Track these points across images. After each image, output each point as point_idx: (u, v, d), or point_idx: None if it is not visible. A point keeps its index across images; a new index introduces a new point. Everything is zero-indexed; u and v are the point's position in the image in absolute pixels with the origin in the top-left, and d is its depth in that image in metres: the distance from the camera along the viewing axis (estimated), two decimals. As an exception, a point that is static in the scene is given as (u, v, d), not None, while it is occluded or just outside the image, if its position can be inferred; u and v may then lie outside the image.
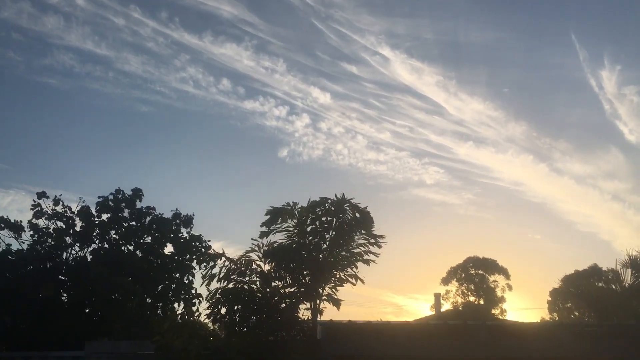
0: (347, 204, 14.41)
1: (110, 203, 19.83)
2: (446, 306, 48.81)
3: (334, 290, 14.61)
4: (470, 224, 69.36)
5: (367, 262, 14.59)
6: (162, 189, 57.68)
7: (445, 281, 53.19)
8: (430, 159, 64.55)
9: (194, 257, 19.62)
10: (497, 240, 74.17)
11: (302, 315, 14.12)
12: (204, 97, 56.17)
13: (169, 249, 19.89)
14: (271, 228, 14.63)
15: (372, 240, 14.54)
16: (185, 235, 20.02)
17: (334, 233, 14.47)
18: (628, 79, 59.02)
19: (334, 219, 14.49)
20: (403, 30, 58.38)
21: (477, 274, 52.65)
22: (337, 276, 14.62)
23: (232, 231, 58.35)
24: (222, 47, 52.71)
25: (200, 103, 57.43)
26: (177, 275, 19.65)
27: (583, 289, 42.26)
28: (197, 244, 19.72)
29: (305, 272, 14.42)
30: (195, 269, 19.88)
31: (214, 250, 14.48)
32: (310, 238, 14.58)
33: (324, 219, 14.52)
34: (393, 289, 76.58)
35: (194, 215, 20.45)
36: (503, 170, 66.55)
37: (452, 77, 62.21)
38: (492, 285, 52.31)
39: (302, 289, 14.35)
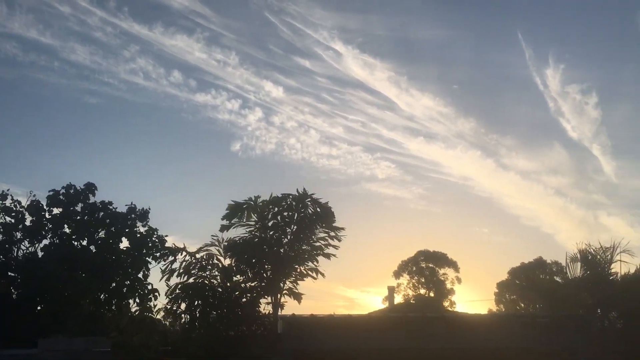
0: (309, 199, 14.51)
1: (61, 197, 19.22)
2: (398, 299, 49.67)
3: (295, 284, 14.70)
4: (421, 218, 70.70)
5: (327, 256, 14.74)
6: (114, 182, 56.04)
7: (397, 274, 54.12)
8: (382, 153, 65.41)
9: (150, 252, 19.25)
10: (447, 234, 75.75)
11: (263, 309, 14.16)
12: (154, 89, 54.82)
13: (124, 244, 19.45)
14: (232, 222, 14.58)
15: (333, 234, 14.69)
16: (141, 230, 19.61)
17: (295, 227, 14.54)
18: (571, 78, 61.26)
19: (296, 214, 14.57)
20: (355, 25, 58.77)
21: (427, 267, 53.76)
22: (298, 270, 14.71)
23: (187, 225, 57.42)
24: (173, 38, 51.55)
25: (150, 95, 55.99)
26: (133, 270, 19.24)
27: (528, 281, 43.88)
28: (154, 239, 19.36)
29: (266, 267, 14.44)
30: (151, 264, 19.51)
31: (174, 245, 14.28)
32: (271, 233, 14.61)
33: (285, 213, 14.58)
34: (345, 283, 77.20)
35: (149, 209, 20.06)
36: (452, 166, 67.99)
37: (403, 73, 63.08)
38: (442, 278, 53.53)
39: (263, 284, 14.37)
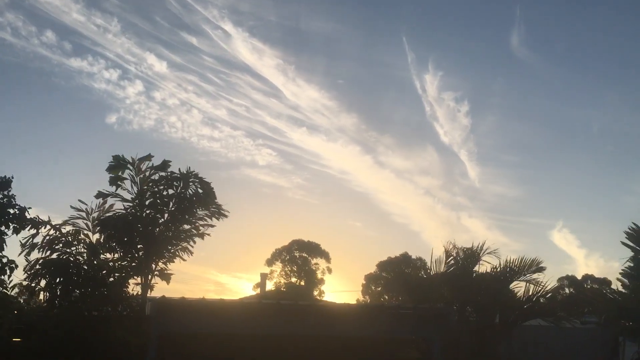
0: (193, 178, 14.06)
1: None
2: (269, 286, 50.10)
3: (166, 265, 14.24)
4: (298, 208, 72.00)
5: (202, 235, 14.40)
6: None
7: (270, 262, 54.66)
8: (264, 140, 65.62)
9: (8, 222, 17.62)
10: (322, 225, 77.91)
11: (132, 290, 13.56)
12: (23, 47, 50.30)
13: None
14: (110, 191, 13.79)
15: (214, 211, 14.36)
16: (1, 198, 17.85)
17: (174, 208, 14.05)
18: (447, 85, 65.52)
19: (176, 193, 14.07)
20: (247, 8, 58.15)
21: (300, 256, 54.85)
22: (172, 251, 14.26)
23: (53, 198, 53.62)
24: (48, -6, 47.60)
25: (18, 54, 51.30)
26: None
27: (394, 275, 46.26)
28: (15, 210, 17.73)
29: (139, 246, 13.84)
30: (7, 235, 17.86)
31: (37, 217, 13.18)
32: (148, 211, 14.00)
33: (165, 193, 14.03)
34: (217, 267, 76.77)
35: (12, 178, 18.33)
36: (332, 159, 69.97)
37: (291, 63, 63.69)
38: (314, 268, 54.92)
39: (133, 263, 13.75)
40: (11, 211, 17.68)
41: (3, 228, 17.64)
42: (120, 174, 13.89)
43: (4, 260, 17.54)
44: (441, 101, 62.86)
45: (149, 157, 14.10)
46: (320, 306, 14.85)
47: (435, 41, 65.52)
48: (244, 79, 61.27)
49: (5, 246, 17.54)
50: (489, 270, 15.91)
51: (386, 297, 48.53)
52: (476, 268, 15.75)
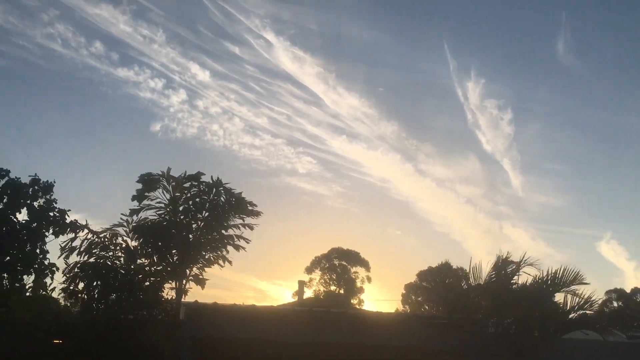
0: (222, 188, 14.20)
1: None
2: (308, 294, 50.09)
3: (201, 271, 14.38)
4: (338, 216, 71.71)
5: (237, 247, 14.52)
6: (18, 152, 52.84)
7: (309, 270, 54.57)
8: (304, 148, 65.84)
9: (50, 226, 18.15)
10: (361, 233, 77.35)
11: (167, 294, 13.75)
12: (72, 58, 52.01)
13: (23, 216, 18.21)
14: (143, 204, 14.03)
15: (246, 222, 14.49)
16: (40, 202, 18.41)
17: (207, 214, 14.20)
18: (490, 93, 64.29)
19: (208, 201, 14.22)
20: (288, 17, 58.55)
21: (340, 264, 54.58)
22: (206, 257, 14.40)
23: (95, 204, 55.16)
24: (97, 7, 49.09)
25: (67, 64, 53.08)
26: (29, 245, 18.06)
27: (434, 284, 45.51)
28: (56, 213, 18.26)
29: (173, 252, 14.01)
30: (48, 238, 18.39)
31: (76, 221, 13.52)
32: (182, 217, 14.18)
33: (197, 199, 14.19)
34: (257, 275, 77.10)
35: (54, 182, 18.89)
36: (372, 167, 69.48)
37: (332, 71, 63.76)
38: (353, 276, 54.53)
39: (168, 268, 13.94)
40: (51, 214, 18.32)
41: (44, 231, 18.27)
42: (147, 193, 14.07)
43: (46, 262, 18.21)
44: (483, 109, 61.73)
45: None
46: (353, 314, 14.67)
47: (477, 48, 64.53)
48: (285, 87, 61.79)
49: (45, 249, 18.16)
50: (530, 281, 15.46)
51: (426, 307, 47.78)
52: (516, 279, 15.32)
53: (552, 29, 60.56)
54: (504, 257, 15.23)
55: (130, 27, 49.75)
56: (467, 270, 15.90)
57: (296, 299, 41.37)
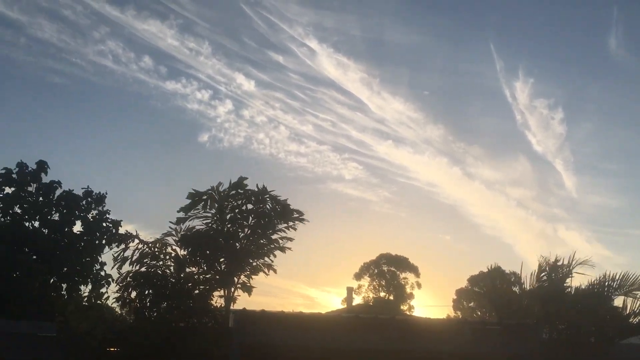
0: (267, 196, 14.36)
1: (14, 176, 18.58)
2: (357, 300, 49.94)
3: (248, 278, 14.53)
4: (385, 221, 71.34)
5: (283, 249, 14.61)
6: (72, 165, 54.98)
7: (358, 276, 54.41)
8: (350, 154, 65.91)
9: (104, 237, 18.77)
10: (410, 238, 76.71)
11: (215, 302, 13.95)
12: (123, 73, 53.90)
13: (77, 227, 18.91)
14: (189, 214, 14.32)
15: (291, 224, 14.59)
16: (94, 213, 19.09)
17: (253, 222, 14.37)
18: (539, 92, 62.61)
19: (254, 209, 14.40)
20: (331, 24, 58.83)
21: (388, 270, 54.19)
22: (253, 264, 14.55)
23: (146, 214, 56.73)
24: (145, 23, 50.71)
25: (118, 79, 55.05)
26: (85, 256, 18.73)
27: (486, 290, 44.49)
28: (109, 224, 18.88)
29: (221, 260, 14.24)
30: (104, 250, 19.03)
31: (127, 232, 13.95)
32: (229, 226, 14.40)
33: (244, 207, 14.39)
34: (305, 282, 77.42)
35: (106, 194, 19.57)
36: (419, 171, 68.87)
37: (376, 75, 63.51)
38: (403, 282, 54.04)
39: (217, 276, 14.17)
40: (104, 225, 18.97)
41: (98, 242, 18.93)
42: (192, 212, 14.34)
43: (102, 274, 18.83)
44: (533, 109, 60.24)
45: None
46: (401, 320, 14.52)
47: (524, 47, 63.17)
48: (329, 94, 61.99)
49: (100, 259, 18.81)
50: (584, 284, 14.96)
51: (478, 312, 46.79)
52: (571, 282, 14.86)
53: (603, 25, 58.60)
54: (555, 260, 14.81)
55: (177, 41, 51.17)
56: (519, 275, 15.57)
57: (345, 305, 41.28)
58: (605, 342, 13.99)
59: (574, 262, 14.51)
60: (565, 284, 14.92)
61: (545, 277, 14.99)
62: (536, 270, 15.00)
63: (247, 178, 14.40)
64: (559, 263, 14.84)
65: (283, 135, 62.45)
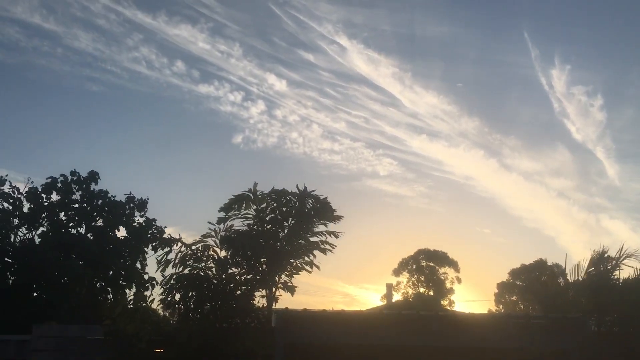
0: (309, 197, 14.47)
1: (59, 184, 19.21)
2: (397, 297, 49.68)
3: (290, 277, 14.66)
4: (422, 216, 70.76)
5: (324, 251, 14.69)
6: (113, 171, 56.42)
7: (397, 272, 54.09)
8: (384, 150, 65.50)
9: (148, 242, 19.25)
10: (448, 233, 75.92)
11: (258, 302, 14.10)
12: (157, 78, 54.97)
13: (121, 233, 19.47)
14: (229, 214, 14.53)
15: (330, 228, 14.70)
16: (139, 219, 19.62)
17: (293, 222, 14.48)
18: (577, 79, 61.11)
19: (294, 209, 14.52)
20: (361, 20, 58.58)
21: (427, 265, 53.72)
22: (294, 264, 14.66)
23: (185, 217, 57.66)
24: (176, 28, 51.58)
25: (153, 84, 56.19)
26: (129, 260, 19.25)
27: (528, 283, 43.76)
28: (153, 229, 19.35)
29: (262, 260, 14.39)
30: (147, 254, 19.52)
31: (169, 235, 14.24)
32: (269, 226, 14.54)
33: (284, 208, 14.52)
34: (344, 279, 77.44)
35: (148, 199, 20.06)
36: (455, 164, 67.98)
37: (407, 70, 63.02)
38: (442, 277, 53.49)
39: (258, 277, 14.32)
40: (150, 231, 19.47)
41: (146, 248, 19.43)
42: (231, 213, 14.52)
43: (145, 277, 19.32)
44: (571, 96, 58.77)
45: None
46: (443, 316, 14.39)
47: (560, 34, 61.63)
48: (361, 90, 61.80)
49: (146, 264, 19.29)
50: (633, 275, 14.56)
51: (522, 306, 46.01)
52: (618, 273, 14.48)
53: (641, 6, 56.65)
54: (602, 250, 14.45)
55: (208, 44, 51.85)
56: (563, 267, 15.28)
57: (385, 302, 41.17)
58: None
59: (623, 254, 14.14)
60: (613, 276, 14.55)
61: (593, 269, 14.66)
62: (586, 262, 14.68)
63: (289, 192, 14.57)
64: (606, 255, 14.50)
65: (316, 133, 62.63)
